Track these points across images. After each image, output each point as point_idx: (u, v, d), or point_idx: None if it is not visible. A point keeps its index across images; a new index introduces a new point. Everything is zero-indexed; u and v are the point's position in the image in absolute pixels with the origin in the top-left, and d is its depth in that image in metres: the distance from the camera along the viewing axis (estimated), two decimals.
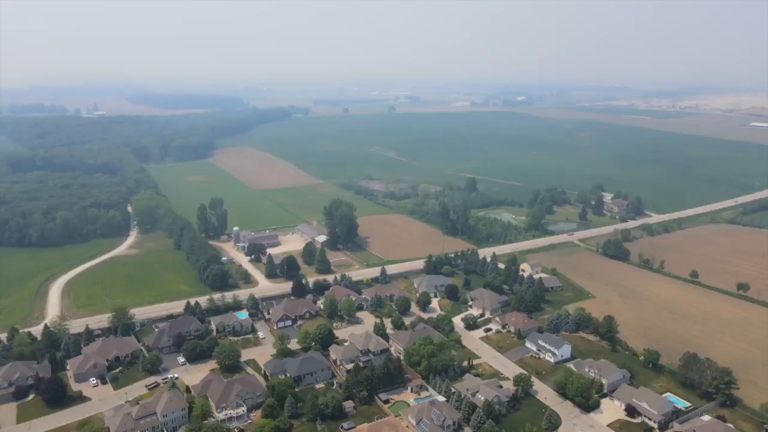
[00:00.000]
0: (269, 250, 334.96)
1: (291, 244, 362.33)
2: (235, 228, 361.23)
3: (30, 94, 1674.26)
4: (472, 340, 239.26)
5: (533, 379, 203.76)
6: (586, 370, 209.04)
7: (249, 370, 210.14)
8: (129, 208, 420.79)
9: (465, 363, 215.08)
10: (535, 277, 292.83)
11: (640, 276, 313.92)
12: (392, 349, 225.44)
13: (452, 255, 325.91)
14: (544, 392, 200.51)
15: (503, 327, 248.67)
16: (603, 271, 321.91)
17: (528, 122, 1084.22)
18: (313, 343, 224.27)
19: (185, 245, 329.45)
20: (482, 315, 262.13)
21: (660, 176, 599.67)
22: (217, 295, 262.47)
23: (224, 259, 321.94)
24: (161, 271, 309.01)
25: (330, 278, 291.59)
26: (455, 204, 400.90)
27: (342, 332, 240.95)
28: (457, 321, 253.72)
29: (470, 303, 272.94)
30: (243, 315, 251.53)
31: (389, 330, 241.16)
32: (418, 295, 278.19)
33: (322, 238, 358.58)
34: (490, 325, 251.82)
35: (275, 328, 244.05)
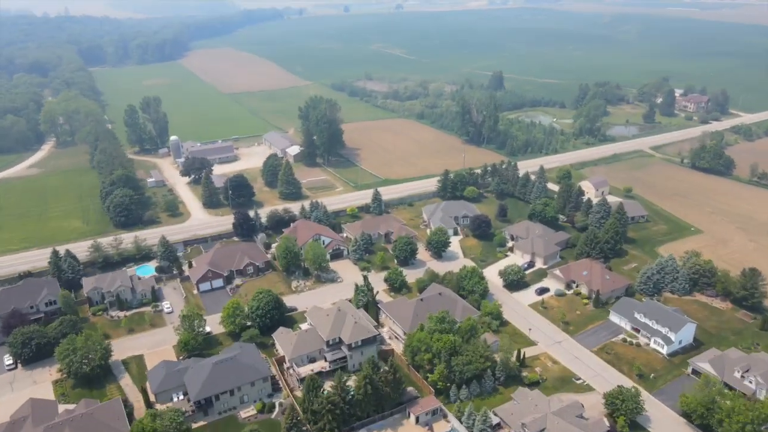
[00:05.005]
0: (218, 168, 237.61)
1: (254, 158, 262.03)
2: (173, 137, 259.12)
3: None
4: (518, 308, 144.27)
5: (639, 388, 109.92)
6: (736, 374, 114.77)
7: (123, 381, 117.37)
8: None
9: (512, 358, 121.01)
10: (609, 202, 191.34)
11: (757, 198, 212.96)
12: (385, 334, 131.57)
13: (478, 170, 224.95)
14: (659, 413, 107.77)
15: (567, 286, 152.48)
16: (699, 191, 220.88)
17: (556, 16, 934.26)
18: (248, 325, 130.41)
19: (97, 161, 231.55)
20: (531, 264, 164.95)
21: (734, 69, 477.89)
22: (109, 239, 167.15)
23: (150, 180, 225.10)
24: (56, 201, 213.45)
25: (297, 207, 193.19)
26: (480, 103, 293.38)
27: (302, 298, 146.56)
28: (492, 275, 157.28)
29: (510, 244, 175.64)
30: (149, 270, 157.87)
31: (381, 296, 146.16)
32: (429, 232, 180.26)
33: (295, 150, 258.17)
34: (547, 282, 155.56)
35: (195, 292, 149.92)
